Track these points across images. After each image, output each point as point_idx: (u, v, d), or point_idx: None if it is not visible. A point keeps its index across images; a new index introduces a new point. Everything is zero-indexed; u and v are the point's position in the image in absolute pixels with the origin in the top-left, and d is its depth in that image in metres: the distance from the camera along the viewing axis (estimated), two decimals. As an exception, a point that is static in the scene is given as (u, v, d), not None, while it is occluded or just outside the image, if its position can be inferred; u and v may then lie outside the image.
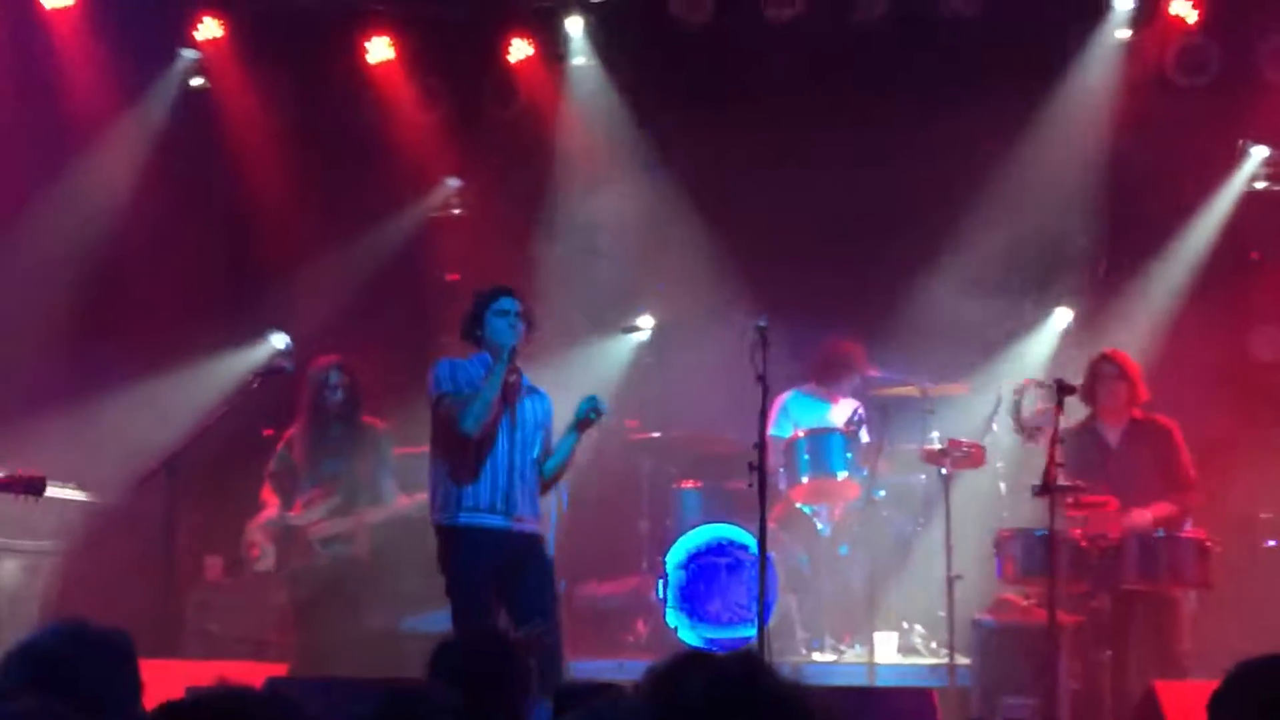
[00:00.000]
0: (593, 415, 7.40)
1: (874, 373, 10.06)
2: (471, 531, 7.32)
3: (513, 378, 7.43)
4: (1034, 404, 9.07)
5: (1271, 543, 10.05)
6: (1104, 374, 8.88)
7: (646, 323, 11.32)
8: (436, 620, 9.77)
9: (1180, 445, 8.78)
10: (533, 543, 7.47)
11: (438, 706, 3.46)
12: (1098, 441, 8.87)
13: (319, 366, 9.26)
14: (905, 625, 9.75)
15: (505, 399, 7.37)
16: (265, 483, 9.36)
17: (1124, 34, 10.69)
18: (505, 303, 7.45)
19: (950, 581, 9.05)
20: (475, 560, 7.30)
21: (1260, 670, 2.88)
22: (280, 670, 8.20)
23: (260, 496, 9.35)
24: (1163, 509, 8.58)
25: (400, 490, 9.29)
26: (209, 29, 11.25)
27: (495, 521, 7.34)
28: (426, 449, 10.44)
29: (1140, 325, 10.45)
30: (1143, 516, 8.49)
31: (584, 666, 9.28)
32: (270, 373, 9.44)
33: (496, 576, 7.34)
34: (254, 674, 7.07)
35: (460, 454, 7.34)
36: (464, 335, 7.56)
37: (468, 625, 7.03)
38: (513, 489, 7.37)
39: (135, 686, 3.43)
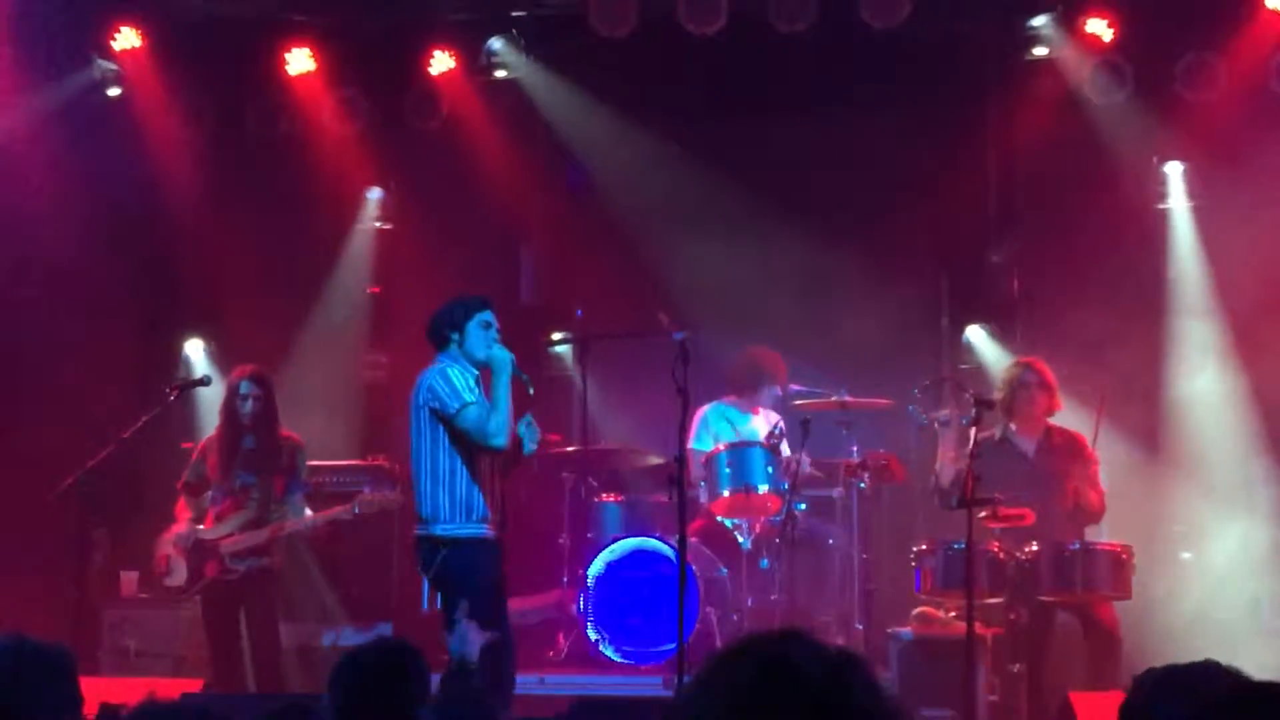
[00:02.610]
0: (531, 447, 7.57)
1: (794, 386, 10.09)
2: (485, 542, 7.44)
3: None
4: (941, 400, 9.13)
5: (1186, 555, 10.16)
6: (1025, 382, 8.95)
7: (566, 335, 11.30)
8: (353, 635, 9.77)
9: (1091, 455, 8.86)
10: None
11: None
12: (1014, 451, 8.93)
13: (234, 376, 9.20)
14: (825, 637, 9.77)
15: None
16: (179, 495, 9.31)
17: (1041, 51, 10.79)
18: (488, 315, 7.52)
19: (868, 594, 9.08)
20: (493, 569, 7.44)
21: (1162, 681, 2.91)
22: (196, 686, 8.14)
23: (174, 509, 9.28)
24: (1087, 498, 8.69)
25: (311, 505, 9.26)
26: (126, 38, 11.11)
27: (492, 533, 7.49)
28: (345, 463, 10.47)
29: (1054, 340, 10.54)
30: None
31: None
32: (188, 385, 9.44)
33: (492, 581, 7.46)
34: (170, 689, 7.00)
35: (472, 464, 7.41)
36: (433, 337, 7.56)
37: (504, 632, 7.14)
38: (495, 496, 7.49)
39: (76, 701, 3.40)
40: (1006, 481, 8.57)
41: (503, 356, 7.39)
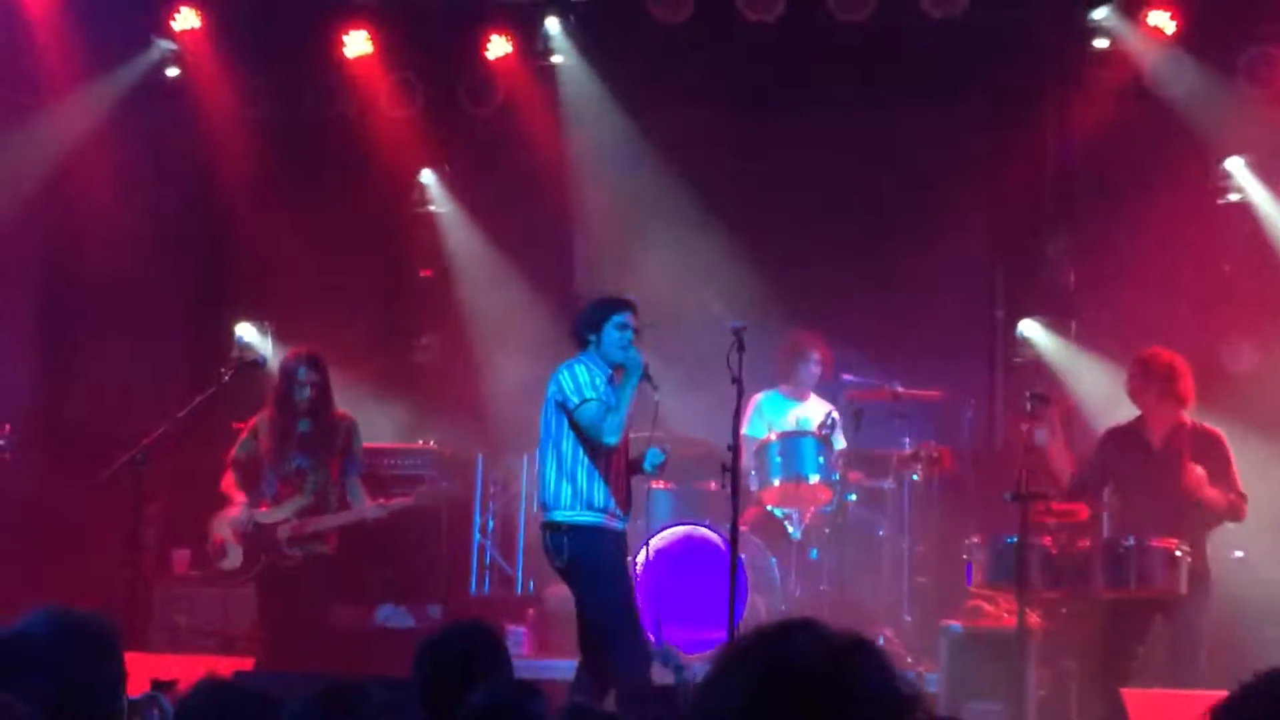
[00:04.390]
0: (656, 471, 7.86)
1: (846, 376, 10.05)
2: (606, 530, 7.58)
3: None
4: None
5: (1239, 554, 10.05)
6: (1131, 374, 8.72)
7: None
8: (404, 618, 9.80)
9: (1229, 455, 8.52)
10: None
11: (376, 704, 3.47)
12: (1139, 443, 8.65)
13: (290, 359, 9.09)
14: (873, 630, 9.74)
15: None
16: (226, 470, 9.16)
17: (1102, 44, 10.71)
18: (624, 317, 7.62)
19: (918, 587, 9.03)
20: (617, 555, 7.66)
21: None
22: (247, 664, 8.17)
23: (220, 485, 9.13)
24: (1215, 493, 8.33)
25: (366, 490, 9.18)
26: (186, 19, 11.16)
27: (614, 524, 7.63)
28: (395, 445, 10.49)
29: (1111, 333, 10.45)
30: (1197, 475, 8.24)
31: (553, 666, 9.26)
32: (243, 366, 9.40)
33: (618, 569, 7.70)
34: (222, 667, 7.02)
35: (594, 457, 7.55)
36: (574, 337, 7.75)
37: (628, 619, 7.45)
38: (621, 491, 7.64)
39: (119, 675, 3.41)
40: (1126, 473, 8.47)
41: (635, 359, 7.52)
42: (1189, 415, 8.63)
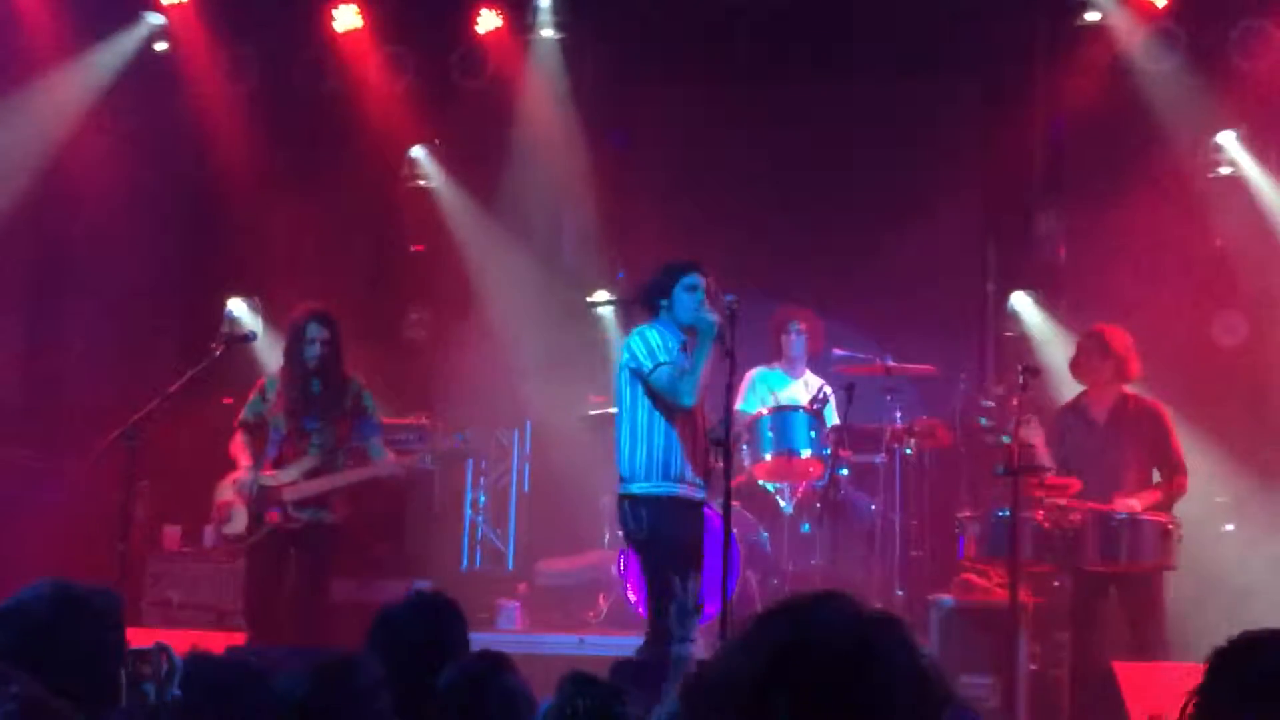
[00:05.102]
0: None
1: (838, 351, 10.05)
2: (682, 501, 7.50)
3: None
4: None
5: (1229, 527, 10.08)
6: (1086, 349, 8.81)
7: (609, 296, 11.29)
8: (399, 590, 9.79)
9: (1170, 428, 8.67)
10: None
11: (369, 679, 3.46)
12: (1084, 419, 8.80)
13: (300, 318, 8.72)
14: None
15: None
16: (235, 433, 8.85)
17: (1094, 16, 10.69)
18: (694, 279, 7.54)
19: (910, 561, 9.03)
20: (692, 528, 7.51)
21: (1260, 644, 2.85)
22: (239, 639, 8.17)
23: (230, 450, 8.85)
24: (1150, 497, 8.51)
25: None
26: (174, -7, 11.13)
27: (693, 493, 7.55)
28: (386, 420, 10.44)
29: (1100, 308, 10.46)
30: (1128, 505, 8.39)
31: (544, 640, 9.29)
32: (233, 341, 9.27)
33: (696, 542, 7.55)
34: (213, 642, 7.02)
35: (671, 423, 7.49)
36: (643, 302, 7.71)
37: (683, 589, 7.34)
38: (699, 458, 7.55)
39: (120, 645, 3.41)
40: (1077, 449, 8.49)
41: (707, 321, 7.43)
42: (1130, 388, 8.75)
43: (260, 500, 8.61)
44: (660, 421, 7.50)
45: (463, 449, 9.37)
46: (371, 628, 4.60)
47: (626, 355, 7.57)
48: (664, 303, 7.58)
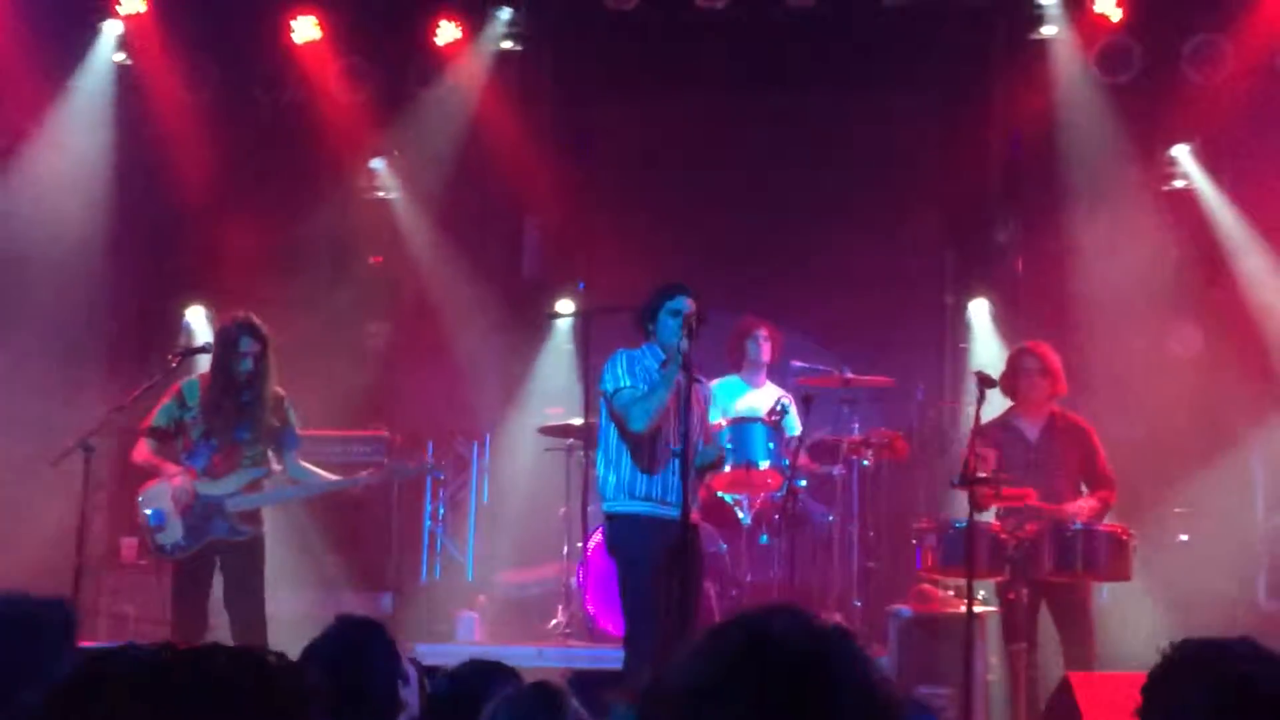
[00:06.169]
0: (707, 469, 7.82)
1: (797, 363, 10.07)
2: (644, 519, 7.49)
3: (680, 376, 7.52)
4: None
5: (1184, 538, 10.15)
6: (1025, 367, 8.89)
7: (568, 308, 11.29)
8: (354, 605, 9.76)
9: (1098, 445, 8.80)
10: (689, 531, 7.50)
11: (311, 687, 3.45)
12: (1017, 436, 8.90)
13: (229, 327, 8.41)
14: (823, 615, 9.77)
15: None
16: (140, 440, 8.44)
17: (1049, 30, 10.77)
18: (679, 302, 7.55)
19: (868, 572, 9.06)
20: (649, 542, 7.44)
21: (1203, 651, 2.88)
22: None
23: (136, 456, 8.46)
24: (1093, 506, 8.61)
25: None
26: (131, 3, 11.05)
27: (664, 511, 7.47)
28: (344, 432, 10.42)
29: (1058, 320, 10.53)
30: (1079, 509, 8.49)
31: (502, 652, 9.26)
32: (190, 352, 9.20)
33: (666, 560, 7.45)
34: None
35: (631, 446, 7.53)
36: (637, 325, 7.71)
37: (647, 607, 7.36)
38: (670, 479, 7.50)
39: (75, 658, 3.39)
40: (1009, 466, 8.56)
41: (672, 346, 7.48)
42: (1058, 405, 8.87)
43: (200, 511, 8.30)
44: (625, 443, 7.56)
45: (432, 475, 9.37)
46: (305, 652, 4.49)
47: (601, 378, 7.66)
48: (650, 327, 7.63)
